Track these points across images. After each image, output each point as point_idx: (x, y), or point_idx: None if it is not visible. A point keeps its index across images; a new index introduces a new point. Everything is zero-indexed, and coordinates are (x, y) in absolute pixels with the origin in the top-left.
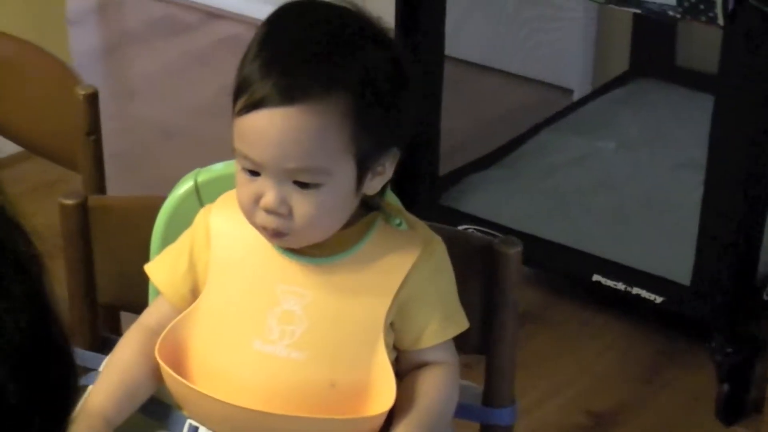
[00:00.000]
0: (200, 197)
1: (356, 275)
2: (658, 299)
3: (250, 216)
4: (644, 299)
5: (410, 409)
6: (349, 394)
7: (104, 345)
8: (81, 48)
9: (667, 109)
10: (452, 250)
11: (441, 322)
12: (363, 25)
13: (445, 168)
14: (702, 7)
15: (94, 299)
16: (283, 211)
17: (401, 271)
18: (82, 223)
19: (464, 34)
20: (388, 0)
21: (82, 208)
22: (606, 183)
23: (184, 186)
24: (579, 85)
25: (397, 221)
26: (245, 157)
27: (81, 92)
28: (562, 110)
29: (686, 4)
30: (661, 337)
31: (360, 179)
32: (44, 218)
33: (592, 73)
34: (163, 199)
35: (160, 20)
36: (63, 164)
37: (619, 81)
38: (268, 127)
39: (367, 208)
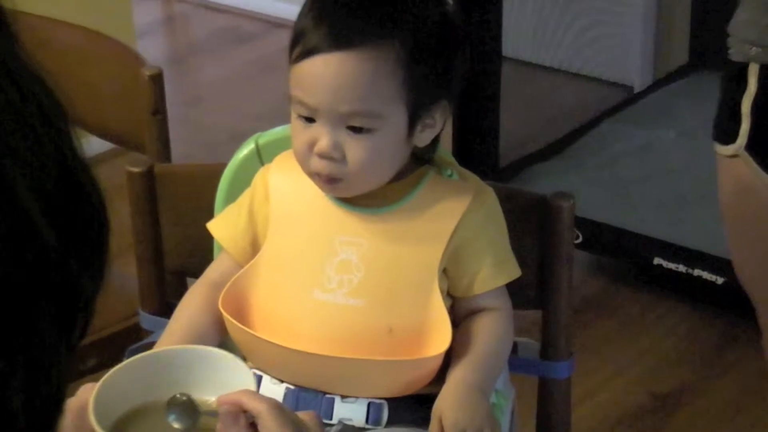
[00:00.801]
0: (261, 158)
1: (410, 223)
2: (720, 280)
3: (304, 163)
4: (706, 281)
5: (466, 353)
6: (407, 338)
7: (171, 311)
8: (149, 58)
9: None
10: (507, 205)
11: (493, 268)
12: None
13: (505, 162)
14: None
15: (162, 265)
16: (337, 155)
17: (453, 218)
18: (148, 190)
19: (523, 35)
20: None
21: (149, 175)
22: (666, 171)
23: (246, 149)
24: (639, 81)
25: (449, 172)
26: (300, 103)
27: (146, 73)
28: (623, 102)
29: None
30: (724, 320)
31: (411, 128)
32: (114, 221)
33: (653, 70)
34: (226, 165)
35: (225, 30)
36: (129, 146)
37: (679, 74)
38: (323, 71)
39: (420, 162)
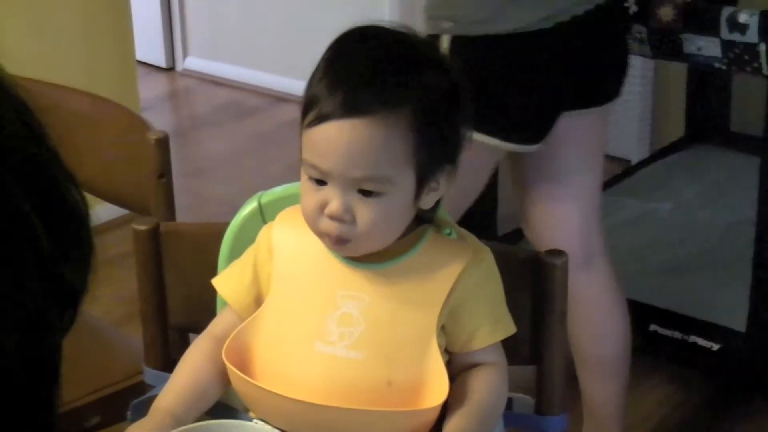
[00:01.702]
0: (263, 216)
1: (409, 280)
2: (715, 347)
3: (314, 224)
4: (701, 347)
5: (463, 405)
6: (405, 390)
7: (174, 367)
8: None
9: (723, 172)
10: (501, 263)
11: (491, 326)
12: (422, 47)
13: (504, 230)
14: (746, 58)
15: (166, 321)
16: (347, 218)
17: (452, 276)
18: (154, 247)
19: None
20: None
21: (154, 234)
22: (662, 241)
23: (248, 207)
24: (636, 154)
25: (447, 231)
26: (313, 167)
27: (152, 137)
28: (619, 174)
29: (731, 55)
30: (721, 388)
31: (418, 191)
32: (121, 287)
33: (649, 143)
34: (229, 224)
35: (228, 105)
36: (136, 209)
37: (675, 147)
38: (337, 137)
39: (419, 221)
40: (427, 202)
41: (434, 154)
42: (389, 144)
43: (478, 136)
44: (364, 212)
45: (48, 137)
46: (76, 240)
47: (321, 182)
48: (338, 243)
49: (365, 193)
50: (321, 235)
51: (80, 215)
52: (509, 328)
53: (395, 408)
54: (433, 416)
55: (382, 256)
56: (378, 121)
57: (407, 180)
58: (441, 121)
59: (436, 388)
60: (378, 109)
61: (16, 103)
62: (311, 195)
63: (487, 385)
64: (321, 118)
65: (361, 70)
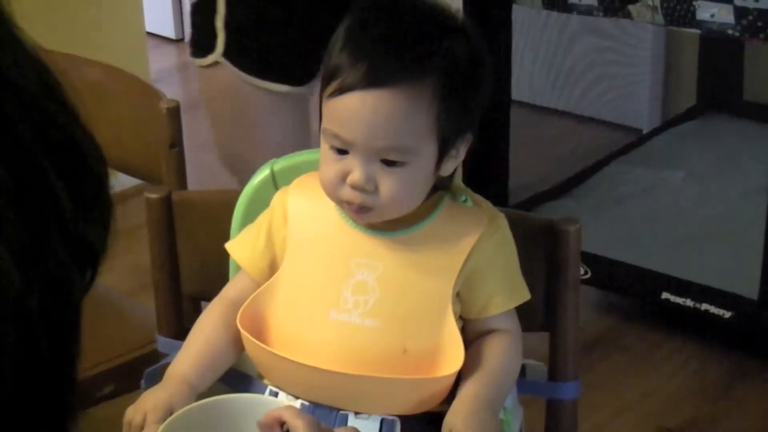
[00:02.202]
0: (276, 184)
1: (425, 247)
2: (727, 314)
3: (334, 192)
4: (713, 315)
5: (477, 371)
6: (420, 358)
7: (187, 335)
8: None
9: (735, 141)
10: (515, 230)
11: (506, 292)
12: (443, 16)
13: (515, 200)
14: (760, 24)
15: (179, 290)
16: (370, 187)
17: (468, 244)
18: (166, 216)
19: (537, 81)
20: None
21: (167, 202)
22: (674, 210)
23: (261, 175)
24: (648, 123)
25: (463, 198)
26: (335, 136)
27: (164, 106)
28: (631, 143)
29: (744, 22)
30: (733, 356)
31: (439, 160)
32: (134, 257)
33: (661, 112)
34: (241, 192)
35: None
36: (147, 179)
37: (687, 116)
38: (361, 107)
39: (435, 188)
40: (446, 169)
41: (456, 123)
42: (413, 114)
43: (267, 84)
44: (387, 182)
45: (68, 98)
46: (95, 199)
47: (342, 152)
48: (359, 211)
49: (388, 163)
50: (341, 203)
51: (99, 175)
52: (524, 295)
53: (411, 375)
54: (449, 383)
55: (398, 223)
56: (402, 92)
57: (429, 149)
58: (464, 91)
59: (452, 356)
60: (402, 79)
61: (36, 64)
62: (332, 164)
63: (502, 351)
64: (344, 89)
65: (384, 40)
